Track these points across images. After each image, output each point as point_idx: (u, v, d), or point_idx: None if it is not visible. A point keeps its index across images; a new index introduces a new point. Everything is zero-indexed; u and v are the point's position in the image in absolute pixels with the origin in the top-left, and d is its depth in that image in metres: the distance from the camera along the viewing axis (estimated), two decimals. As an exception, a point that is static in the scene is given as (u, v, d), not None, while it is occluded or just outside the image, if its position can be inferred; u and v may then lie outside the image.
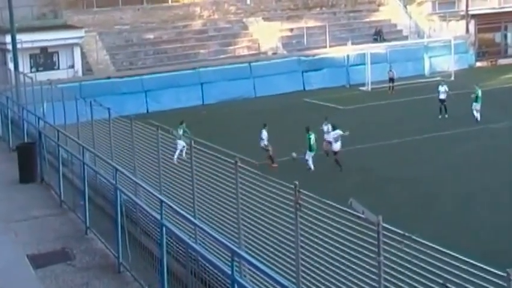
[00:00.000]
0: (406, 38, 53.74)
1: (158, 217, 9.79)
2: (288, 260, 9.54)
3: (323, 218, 8.73)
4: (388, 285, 7.93)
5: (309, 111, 38.01)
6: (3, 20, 39.97)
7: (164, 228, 9.52)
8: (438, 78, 43.26)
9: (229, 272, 7.54)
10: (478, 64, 53.39)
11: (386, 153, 29.28)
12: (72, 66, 45.14)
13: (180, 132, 27.28)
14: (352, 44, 48.55)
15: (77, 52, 45.22)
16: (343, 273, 8.63)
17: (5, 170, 19.11)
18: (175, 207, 10.11)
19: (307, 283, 9.21)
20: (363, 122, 35.42)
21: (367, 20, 55.68)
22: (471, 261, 7.25)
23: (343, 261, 8.64)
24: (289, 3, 54.82)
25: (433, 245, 7.64)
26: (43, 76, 36.32)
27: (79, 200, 14.13)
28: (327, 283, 8.90)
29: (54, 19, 47.53)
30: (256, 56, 49.43)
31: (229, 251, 7.83)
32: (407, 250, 7.75)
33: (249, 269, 9.60)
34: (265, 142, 28.20)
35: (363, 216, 7.64)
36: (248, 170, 10.23)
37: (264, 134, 28.28)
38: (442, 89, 35.75)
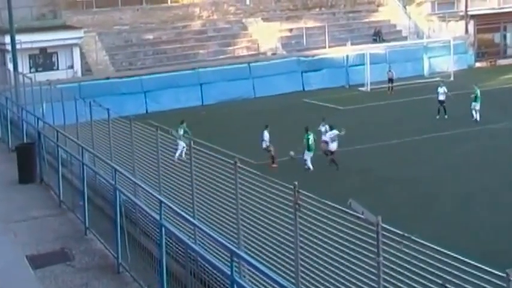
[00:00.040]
0: (405, 38, 53.75)
1: (157, 217, 9.79)
2: (288, 260, 9.53)
3: (322, 218, 8.73)
4: (387, 285, 7.93)
5: (308, 111, 38.00)
6: (2, 21, 39.99)
7: (163, 229, 9.52)
8: (437, 79, 43.30)
9: (229, 273, 7.54)
10: (478, 64, 53.41)
11: (385, 153, 29.28)
12: (72, 67, 45.14)
13: (181, 132, 27.30)
14: (352, 44, 48.55)
15: (76, 52, 45.22)
16: (342, 274, 8.63)
17: (4, 170, 19.10)
18: (174, 207, 10.10)
19: (307, 283, 9.20)
20: (362, 122, 35.42)
21: (367, 20, 55.69)
22: (470, 261, 7.25)
23: (342, 261, 8.64)
24: (288, 3, 54.83)
25: (432, 246, 7.65)
26: (42, 76, 36.35)
27: (78, 200, 14.13)
28: (326, 283, 8.90)
29: (53, 19, 47.52)
30: (255, 56, 49.43)
31: (228, 251, 7.83)
32: (407, 250, 7.75)
33: (249, 270, 9.60)
34: (267, 143, 28.30)
35: (362, 216, 7.64)
36: (247, 170, 10.23)
37: (266, 135, 28.37)
38: (441, 90, 35.76)
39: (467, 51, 53.31)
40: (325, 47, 49.96)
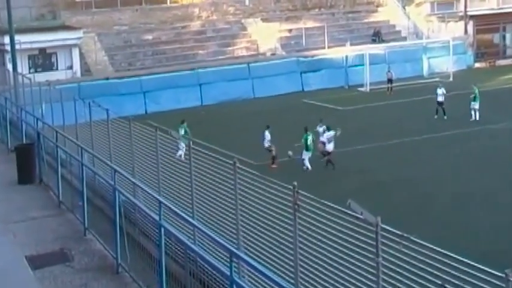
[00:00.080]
0: (404, 38, 53.78)
1: (157, 218, 9.78)
2: (287, 260, 9.53)
3: (321, 218, 8.73)
4: (386, 286, 7.92)
5: (307, 112, 38.01)
6: (1, 21, 39.97)
7: (163, 229, 9.52)
8: (437, 79, 43.35)
9: (228, 273, 7.54)
10: (477, 65, 53.44)
11: (385, 153, 29.29)
12: (71, 67, 45.14)
13: (182, 132, 27.34)
14: (351, 44, 48.56)
15: (76, 53, 45.22)
16: (341, 274, 8.63)
17: (4, 171, 19.09)
18: (173, 208, 10.10)
19: (306, 284, 9.20)
20: (362, 122, 35.44)
21: (366, 20, 55.71)
22: (469, 261, 7.25)
23: (341, 262, 8.63)
24: (287, 4, 54.84)
25: (432, 246, 7.64)
26: (41, 77, 36.38)
27: (77, 201, 14.12)
28: (325, 284, 8.90)
29: (52, 20, 47.53)
30: (254, 56, 49.44)
31: (227, 251, 7.82)
32: (406, 251, 7.75)
33: (248, 270, 9.60)
34: (269, 143, 28.40)
35: (361, 217, 7.63)
36: (247, 170, 10.23)
37: (267, 135, 28.47)
38: (440, 91, 35.80)
39: (466, 51, 53.33)
40: (324, 48, 49.98)
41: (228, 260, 7.63)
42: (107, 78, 43.92)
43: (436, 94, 35.82)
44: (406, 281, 7.99)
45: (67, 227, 13.93)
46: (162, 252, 9.49)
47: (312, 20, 53.83)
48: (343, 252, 8.64)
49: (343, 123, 30.82)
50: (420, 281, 7.84)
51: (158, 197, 10.54)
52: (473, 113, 34.49)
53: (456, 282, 7.32)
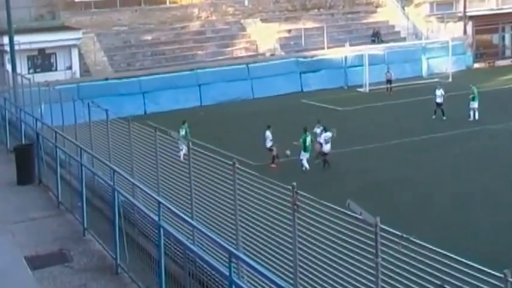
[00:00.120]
0: (403, 39, 53.76)
1: (156, 218, 9.78)
2: (286, 261, 9.53)
3: (321, 219, 8.73)
4: (385, 286, 7.92)
5: (306, 112, 38.00)
6: (0, 21, 39.90)
7: (162, 230, 9.51)
8: (436, 80, 43.34)
9: (227, 273, 7.53)
10: (476, 65, 53.43)
11: (384, 154, 29.29)
12: (70, 68, 45.13)
13: (183, 132, 27.37)
14: (350, 45, 48.54)
15: (75, 53, 45.21)
16: (340, 275, 8.63)
17: (3, 171, 19.07)
18: (173, 208, 10.09)
19: (305, 284, 9.20)
20: (361, 123, 35.45)
21: (365, 21, 55.71)
22: (468, 262, 7.24)
23: (340, 262, 8.63)
24: (287, 4, 54.83)
25: (431, 246, 7.64)
26: (41, 77, 36.37)
27: (77, 201, 14.11)
28: (324, 284, 8.90)
29: (51, 20, 47.50)
30: (254, 57, 49.44)
31: (227, 252, 7.82)
32: (405, 251, 7.74)
33: (247, 270, 9.59)
34: (271, 143, 28.45)
35: (360, 217, 7.63)
36: (246, 171, 10.22)
37: (269, 135, 28.51)
38: (439, 92, 35.83)
39: (465, 52, 53.33)
40: (323, 48, 49.95)
41: (227, 260, 7.62)
42: (106, 79, 43.90)
43: (435, 95, 35.83)
44: (406, 282, 7.99)
45: (66, 228, 13.92)
46: (161, 252, 9.48)
47: (311, 20, 53.83)
48: (342, 252, 8.63)
49: (343, 123, 30.84)
50: (419, 281, 7.84)
51: (157, 198, 10.53)
52: (472, 113, 34.55)
53: (455, 282, 7.32)
